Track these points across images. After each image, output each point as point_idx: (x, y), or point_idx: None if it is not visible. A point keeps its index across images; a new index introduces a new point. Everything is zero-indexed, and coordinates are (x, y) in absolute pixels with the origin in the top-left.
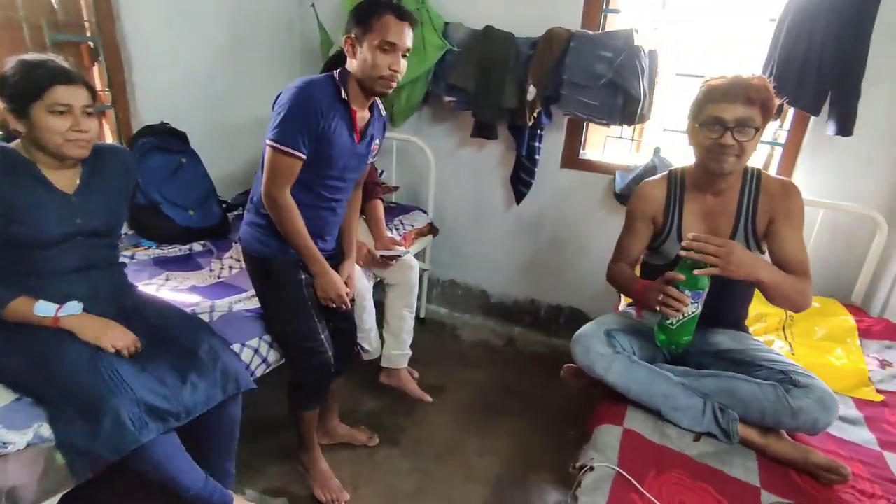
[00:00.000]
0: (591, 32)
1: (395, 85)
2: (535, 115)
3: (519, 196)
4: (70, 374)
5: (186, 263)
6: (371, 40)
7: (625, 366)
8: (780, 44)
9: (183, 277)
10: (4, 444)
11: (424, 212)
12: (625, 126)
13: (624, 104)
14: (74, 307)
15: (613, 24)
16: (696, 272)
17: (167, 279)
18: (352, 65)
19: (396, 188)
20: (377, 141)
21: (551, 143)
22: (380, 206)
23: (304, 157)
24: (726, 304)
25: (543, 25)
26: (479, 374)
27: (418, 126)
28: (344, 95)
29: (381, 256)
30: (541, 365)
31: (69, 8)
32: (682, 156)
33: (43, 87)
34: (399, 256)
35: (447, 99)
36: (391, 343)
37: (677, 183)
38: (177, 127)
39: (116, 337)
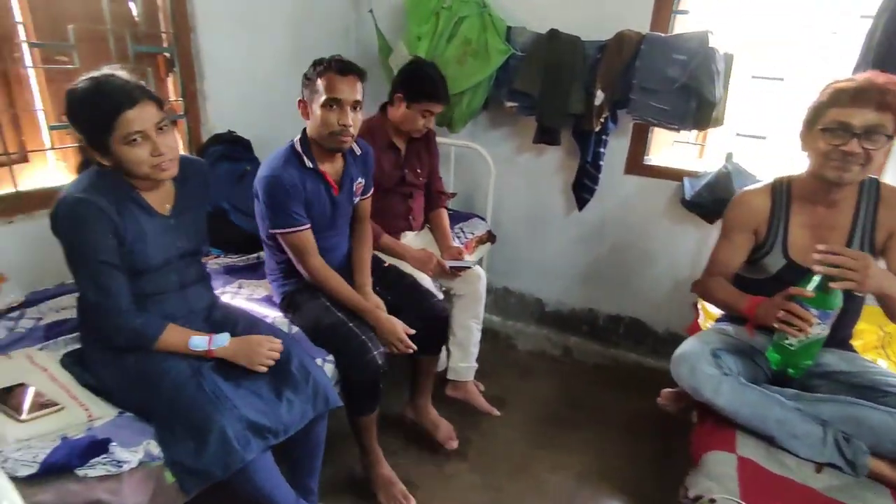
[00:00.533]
0: (662, 35)
1: (348, 140)
2: (602, 120)
3: (581, 203)
4: (174, 392)
5: (256, 272)
6: (317, 100)
7: (734, 388)
8: (877, 41)
9: (255, 285)
10: (119, 462)
11: (483, 219)
12: (691, 131)
13: (697, 108)
14: (223, 339)
15: (682, 25)
16: (831, 285)
17: (240, 287)
18: (308, 127)
19: (454, 195)
20: (360, 180)
21: (615, 149)
22: (445, 216)
23: (307, 224)
24: (836, 321)
25: (610, 28)
26: (541, 386)
27: (474, 132)
28: (308, 164)
29: (451, 267)
30: (603, 377)
31: (150, 20)
32: (756, 162)
33: (110, 117)
34: (468, 267)
35: (509, 104)
36: (458, 355)
37: (783, 192)
38: (241, 135)
39: (263, 355)
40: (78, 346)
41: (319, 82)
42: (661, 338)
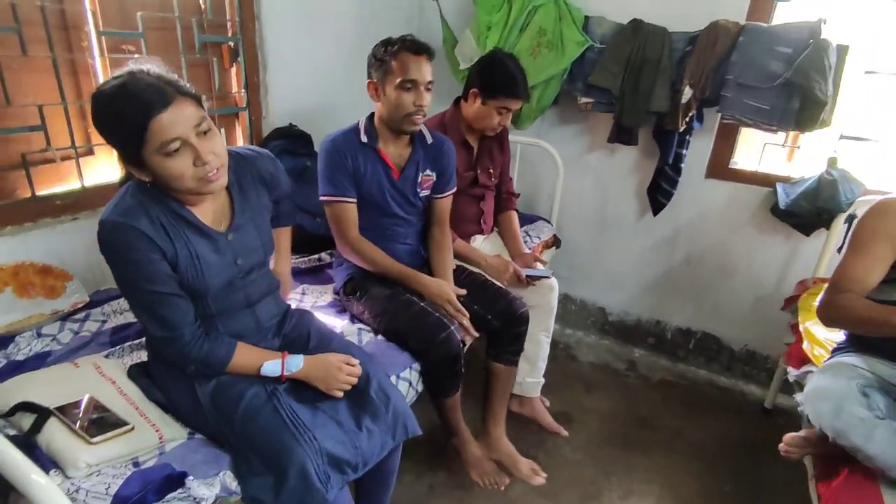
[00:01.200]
0: (764, 25)
1: (421, 120)
2: (687, 119)
3: (657, 208)
4: (250, 418)
5: (319, 276)
6: (391, 81)
7: (891, 435)
8: None
9: (319, 292)
10: (196, 499)
11: (548, 222)
12: (792, 132)
13: (801, 107)
14: (296, 363)
15: (782, 15)
16: None
17: (304, 293)
18: (378, 109)
19: (518, 195)
20: (428, 172)
21: (696, 150)
22: (515, 219)
23: (353, 199)
24: None
25: (700, 18)
26: (607, 402)
27: (541, 128)
28: (364, 139)
29: (527, 277)
30: (674, 395)
31: (216, 8)
32: (863, 168)
33: (140, 125)
34: (546, 277)
35: (584, 100)
36: (525, 369)
37: None
38: (301, 129)
39: (340, 380)
40: (143, 353)
41: (393, 63)
42: (737, 356)
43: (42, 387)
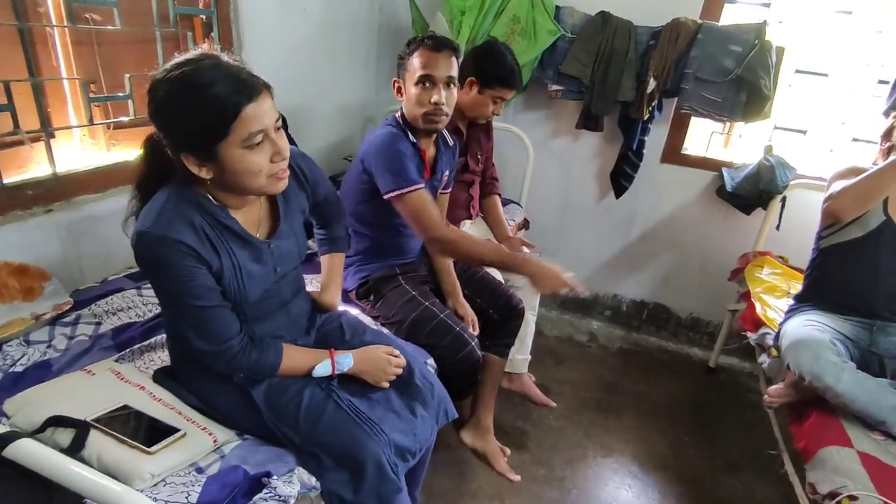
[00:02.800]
0: (719, 25)
1: (442, 119)
2: (650, 108)
3: (620, 191)
4: (315, 418)
5: (313, 264)
6: (410, 78)
7: (854, 376)
8: None
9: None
10: (283, 498)
11: (519, 205)
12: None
13: (747, 101)
14: (347, 361)
15: (729, 15)
16: None
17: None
18: (403, 108)
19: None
20: (447, 172)
21: (653, 138)
22: (499, 203)
23: (423, 183)
24: None
25: (661, 14)
26: (576, 373)
27: (508, 114)
28: (413, 139)
29: None
30: (632, 361)
31: None
32: (796, 155)
33: (230, 116)
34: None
35: (554, 88)
36: (514, 347)
37: None
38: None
39: (388, 371)
40: (155, 355)
41: (413, 60)
42: (683, 323)
43: (63, 398)
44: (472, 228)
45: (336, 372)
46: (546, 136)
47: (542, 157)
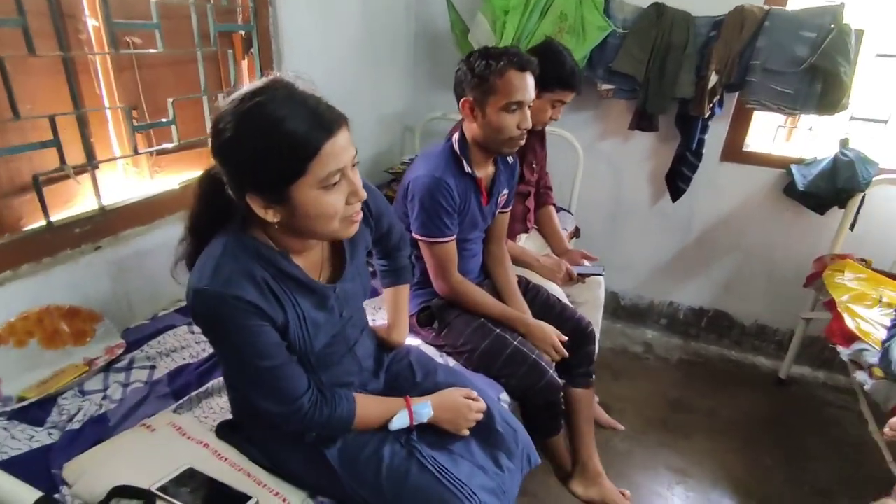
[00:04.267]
0: (788, 9)
1: (523, 142)
2: (711, 105)
3: (677, 193)
4: (399, 482)
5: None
6: (495, 102)
7: None
8: None
9: (373, 306)
10: None
11: (569, 212)
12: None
13: (824, 91)
14: (425, 411)
15: (795, 2)
16: None
17: (376, 309)
18: (471, 128)
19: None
20: (505, 191)
21: (712, 135)
22: (554, 214)
23: (454, 234)
24: None
25: (723, 2)
26: (637, 388)
27: None
28: (468, 169)
29: (579, 275)
30: (695, 374)
31: None
32: (873, 148)
33: (309, 155)
34: (598, 274)
35: (605, 87)
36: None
37: None
38: None
39: (469, 419)
40: (213, 402)
41: (497, 82)
42: (747, 331)
43: (124, 463)
44: (529, 241)
45: (415, 423)
46: (595, 137)
47: (591, 159)
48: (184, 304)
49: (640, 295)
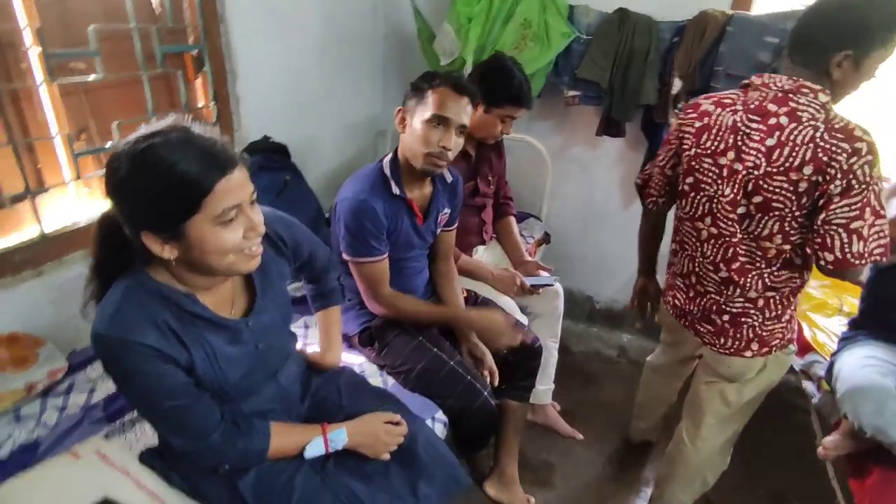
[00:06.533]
0: (751, 14)
1: (443, 165)
2: (676, 111)
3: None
4: None
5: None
6: (422, 113)
7: None
8: None
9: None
10: None
11: (538, 219)
12: None
13: None
14: (340, 437)
15: (760, 5)
16: None
17: (306, 326)
18: (402, 142)
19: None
20: (446, 210)
21: None
22: (514, 224)
23: (385, 254)
24: None
25: (686, 7)
26: (606, 394)
27: (522, 123)
28: (396, 191)
29: (532, 286)
30: None
31: (175, 13)
32: None
33: (205, 190)
34: (551, 285)
35: (571, 94)
36: (536, 378)
37: None
38: (276, 141)
39: (388, 443)
40: (147, 426)
41: (430, 96)
42: None
43: (43, 493)
44: (487, 254)
45: (330, 450)
46: (564, 144)
47: (561, 166)
48: None
49: (613, 299)
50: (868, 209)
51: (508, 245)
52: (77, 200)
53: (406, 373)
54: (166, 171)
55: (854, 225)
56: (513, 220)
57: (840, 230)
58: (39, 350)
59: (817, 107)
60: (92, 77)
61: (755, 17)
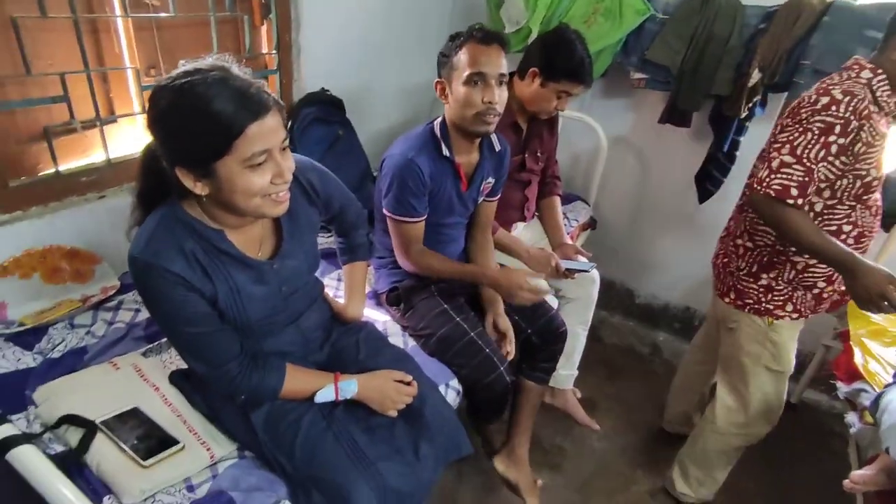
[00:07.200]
0: (853, 4)
1: (494, 120)
2: (751, 105)
3: (704, 195)
4: (310, 449)
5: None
6: (459, 76)
7: None
8: None
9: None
10: None
11: (586, 202)
12: None
13: None
14: (350, 388)
15: None
16: None
17: (340, 280)
18: (447, 111)
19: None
20: (490, 179)
21: (752, 138)
22: (558, 205)
23: (424, 216)
24: None
25: None
26: (631, 389)
27: (584, 102)
28: (446, 152)
29: (567, 270)
30: None
31: None
32: None
33: (232, 134)
34: (587, 271)
35: (637, 76)
36: (560, 361)
37: None
38: (333, 94)
39: (396, 401)
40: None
41: (460, 56)
42: None
43: (84, 394)
44: (526, 231)
45: (339, 398)
46: (623, 128)
47: (618, 151)
48: None
49: (654, 295)
50: (787, 146)
51: (549, 225)
52: (143, 132)
53: (427, 337)
54: (201, 109)
55: (772, 155)
56: (557, 200)
57: (763, 156)
58: (96, 267)
59: (852, 75)
60: (164, 14)
61: (858, 6)
